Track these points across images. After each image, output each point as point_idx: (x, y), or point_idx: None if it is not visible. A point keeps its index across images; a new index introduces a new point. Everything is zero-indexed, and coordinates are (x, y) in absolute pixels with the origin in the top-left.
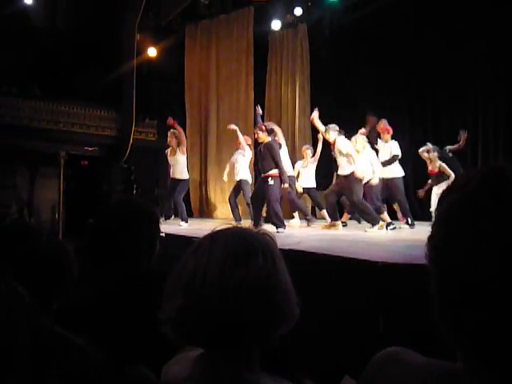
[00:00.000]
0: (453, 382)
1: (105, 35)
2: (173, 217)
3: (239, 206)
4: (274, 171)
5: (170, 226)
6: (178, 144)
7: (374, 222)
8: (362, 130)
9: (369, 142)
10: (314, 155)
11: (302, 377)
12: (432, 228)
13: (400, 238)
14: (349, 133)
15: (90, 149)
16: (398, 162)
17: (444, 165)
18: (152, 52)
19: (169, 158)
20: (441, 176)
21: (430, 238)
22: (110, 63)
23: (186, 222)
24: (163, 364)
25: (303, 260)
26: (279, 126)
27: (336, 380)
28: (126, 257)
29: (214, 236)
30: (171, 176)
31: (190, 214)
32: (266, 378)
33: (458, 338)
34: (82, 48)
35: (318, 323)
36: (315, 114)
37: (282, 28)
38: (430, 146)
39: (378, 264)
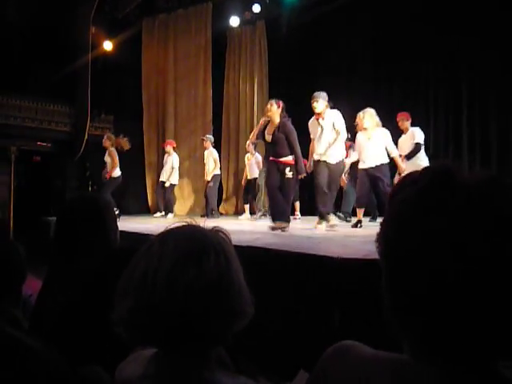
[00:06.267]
0: (400, 374)
1: (59, 27)
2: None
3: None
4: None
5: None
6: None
7: None
8: None
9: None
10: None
11: (254, 373)
12: (383, 224)
13: (355, 233)
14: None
15: (43, 144)
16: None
17: None
18: (108, 45)
19: None
20: None
21: (381, 234)
22: (63, 56)
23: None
24: (117, 363)
25: (261, 256)
26: (237, 122)
27: (292, 374)
28: (91, 253)
29: (166, 235)
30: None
31: (147, 211)
32: (223, 374)
33: (406, 331)
34: (34, 40)
35: (275, 318)
36: None
37: (240, 25)
38: None
39: (335, 259)
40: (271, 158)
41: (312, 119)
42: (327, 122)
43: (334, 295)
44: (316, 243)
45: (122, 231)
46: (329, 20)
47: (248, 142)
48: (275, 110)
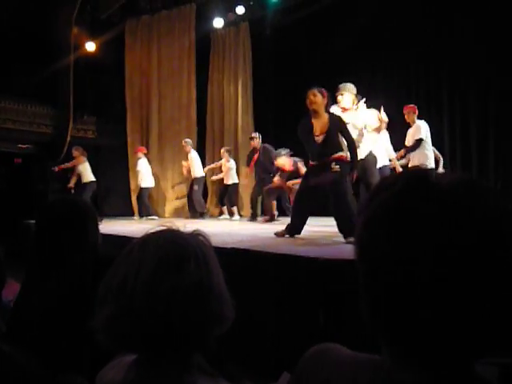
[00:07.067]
0: (378, 376)
1: (40, 27)
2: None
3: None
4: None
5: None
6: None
7: None
8: None
9: None
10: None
11: (240, 375)
12: (359, 228)
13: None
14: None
15: (24, 146)
16: None
17: None
18: (90, 46)
19: None
20: None
21: (358, 238)
22: (45, 57)
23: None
24: (98, 370)
25: (245, 258)
26: (222, 124)
27: (277, 375)
28: (72, 257)
29: (146, 240)
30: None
31: (132, 214)
32: (204, 379)
33: (383, 333)
34: (15, 40)
35: (260, 320)
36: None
37: (224, 26)
38: None
39: (318, 260)
40: (314, 163)
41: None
42: (355, 121)
43: (318, 296)
44: (300, 244)
45: (105, 234)
46: (312, 21)
47: (222, 150)
48: (321, 102)
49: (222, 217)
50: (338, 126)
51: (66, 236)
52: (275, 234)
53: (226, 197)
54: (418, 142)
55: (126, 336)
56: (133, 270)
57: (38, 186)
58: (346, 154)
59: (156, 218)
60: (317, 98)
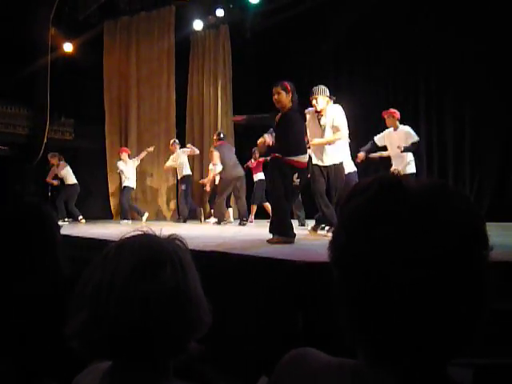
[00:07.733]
0: (354, 380)
1: (17, 27)
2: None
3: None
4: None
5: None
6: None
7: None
8: None
9: None
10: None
11: (218, 379)
12: (334, 232)
13: (317, 237)
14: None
15: (2, 147)
16: None
17: None
18: (68, 47)
19: None
20: None
21: (332, 242)
22: (22, 57)
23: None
24: (73, 377)
25: (224, 261)
26: (201, 126)
27: (254, 380)
28: (36, 264)
29: (121, 245)
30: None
31: (110, 217)
32: None
33: (358, 336)
34: None
35: (238, 323)
36: None
37: (203, 28)
38: None
39: (296, 263)
40: (276, 155)
41: (310, 116)
42: (328, 119)
43: (297, 299)
44: (280, 247)
45: (82, 237)
46: (292, 25)
47: (211, 148)
48: (285, 98)
49: (210, 220)
50: (294, 121)
51: (35, 238)
52: (268, 241)
53: (211, 198)
54: (416, 144)
55: (100, 342)
56: (108, 275)
57: (14, 187)
58: (305, 158)
59: (130, 222)
60: (281, 95)
